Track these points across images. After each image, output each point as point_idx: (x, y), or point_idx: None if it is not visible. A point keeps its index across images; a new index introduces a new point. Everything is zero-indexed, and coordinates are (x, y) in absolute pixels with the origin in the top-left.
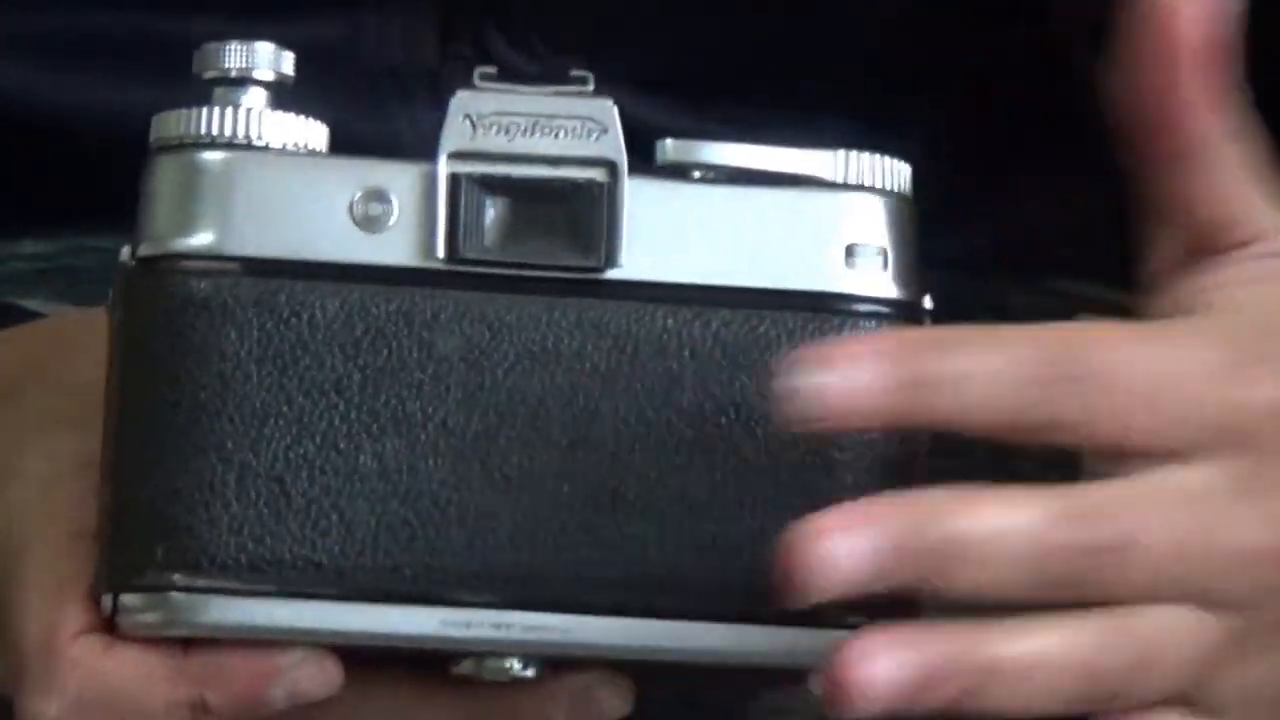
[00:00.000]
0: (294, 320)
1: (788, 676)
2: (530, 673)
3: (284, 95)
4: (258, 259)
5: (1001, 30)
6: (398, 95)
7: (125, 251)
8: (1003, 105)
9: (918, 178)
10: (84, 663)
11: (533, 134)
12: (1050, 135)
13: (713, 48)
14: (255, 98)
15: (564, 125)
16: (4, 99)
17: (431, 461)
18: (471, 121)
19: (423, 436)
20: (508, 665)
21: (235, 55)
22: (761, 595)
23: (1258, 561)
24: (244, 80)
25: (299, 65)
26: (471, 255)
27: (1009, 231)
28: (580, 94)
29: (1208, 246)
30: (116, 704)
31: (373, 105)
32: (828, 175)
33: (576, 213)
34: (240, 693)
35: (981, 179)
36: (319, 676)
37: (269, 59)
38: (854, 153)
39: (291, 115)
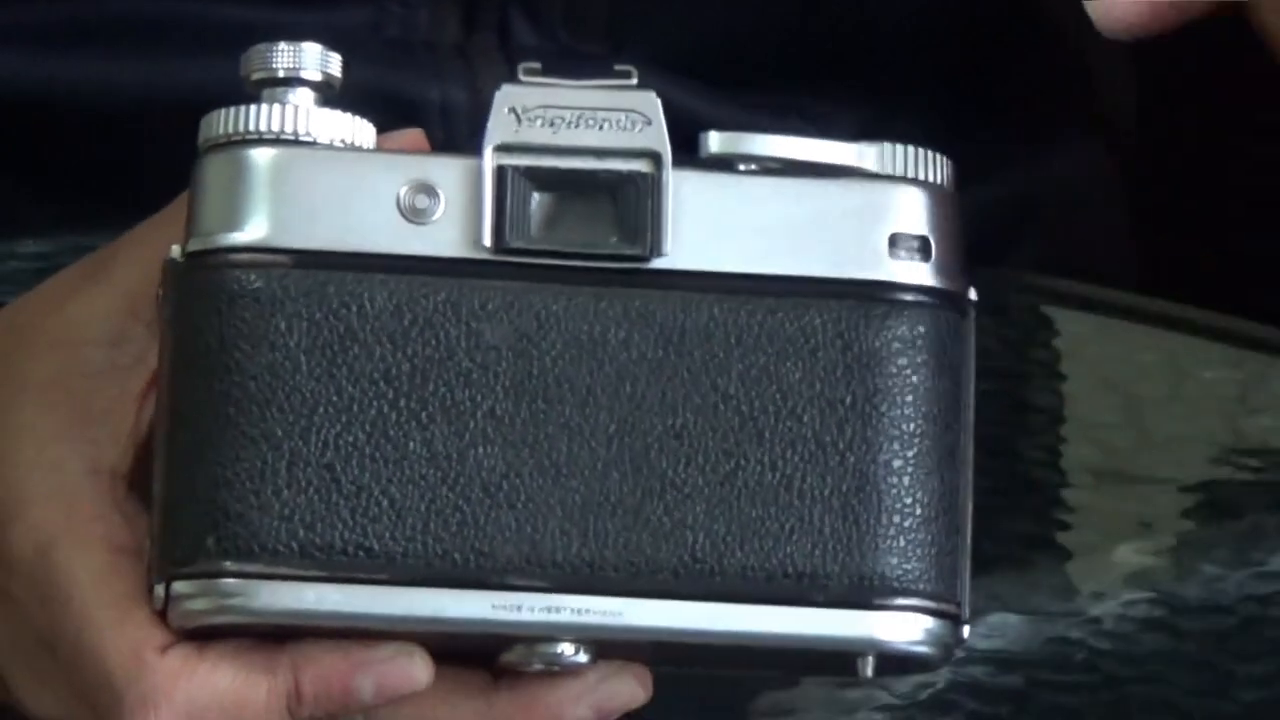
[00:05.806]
0: (343, 311)
1: (835, 661)
2: (583, 658)
3: (331, 95)
4: (307, 251)
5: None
6: (426, 63)
7: (175, 249)
8: (998, 88)
9: None
10: (184, 672)
11: (577, 126)
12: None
13: (732, 31)
14: (303, 97)
15: (608, 117)
16: (25, 86)
17: (481, 449)
18: (516, 115)
19: (471, 424)
20: (560, 650)
21: (283, 56)
22: (811, 578)
23: None
24: (291, 80)
25: (323, 40)
26: (518, 245)
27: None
28: (624, 87)
29: None
30: (224, 704)
31: (401, 71)
32: (870, 166)
33: (622, 203)
34: (331, 680)
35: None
36: (408, 671)
37: (316, 59)
38: (897, 145)
39: (338, 113)
